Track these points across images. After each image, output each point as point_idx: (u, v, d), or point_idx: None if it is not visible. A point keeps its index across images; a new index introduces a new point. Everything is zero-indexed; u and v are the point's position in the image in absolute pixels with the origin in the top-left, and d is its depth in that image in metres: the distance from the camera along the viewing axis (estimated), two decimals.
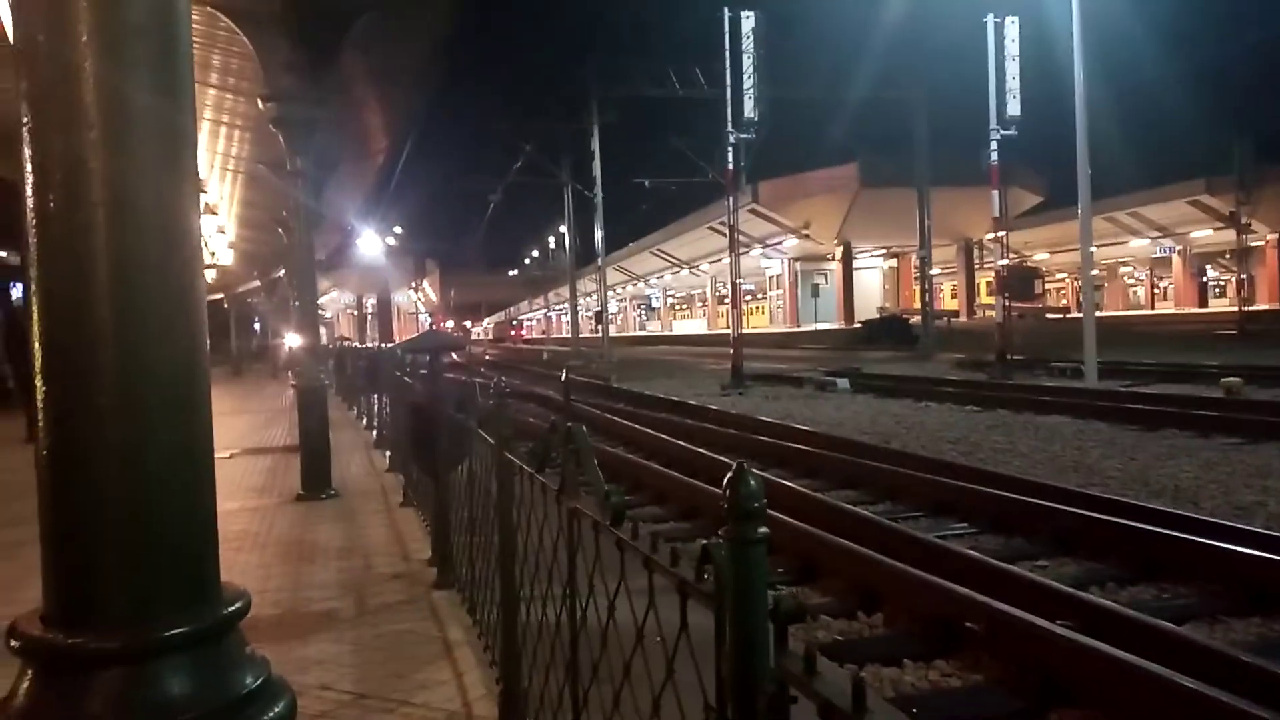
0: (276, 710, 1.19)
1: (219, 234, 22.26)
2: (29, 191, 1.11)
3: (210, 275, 28.07)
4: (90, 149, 1.10)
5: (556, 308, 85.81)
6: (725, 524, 1.26)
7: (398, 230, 49.35)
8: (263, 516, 6.73)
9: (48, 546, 1.16)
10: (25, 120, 1.12)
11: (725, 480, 1.24)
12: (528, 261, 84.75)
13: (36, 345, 1.14)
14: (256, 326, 36.13)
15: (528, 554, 3.12)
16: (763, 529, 1.23)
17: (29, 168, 1.12)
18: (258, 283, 31.18)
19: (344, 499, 7.43)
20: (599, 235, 36.74)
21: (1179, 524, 6.19)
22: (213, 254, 24.19)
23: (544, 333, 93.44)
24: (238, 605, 1.20)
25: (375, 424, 10.99)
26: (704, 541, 1.35)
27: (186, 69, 1.17)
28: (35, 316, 1.14)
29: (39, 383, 1.14)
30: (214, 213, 19.75)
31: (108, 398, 1.12)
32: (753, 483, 1.22)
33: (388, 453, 9.18)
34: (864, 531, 6.52)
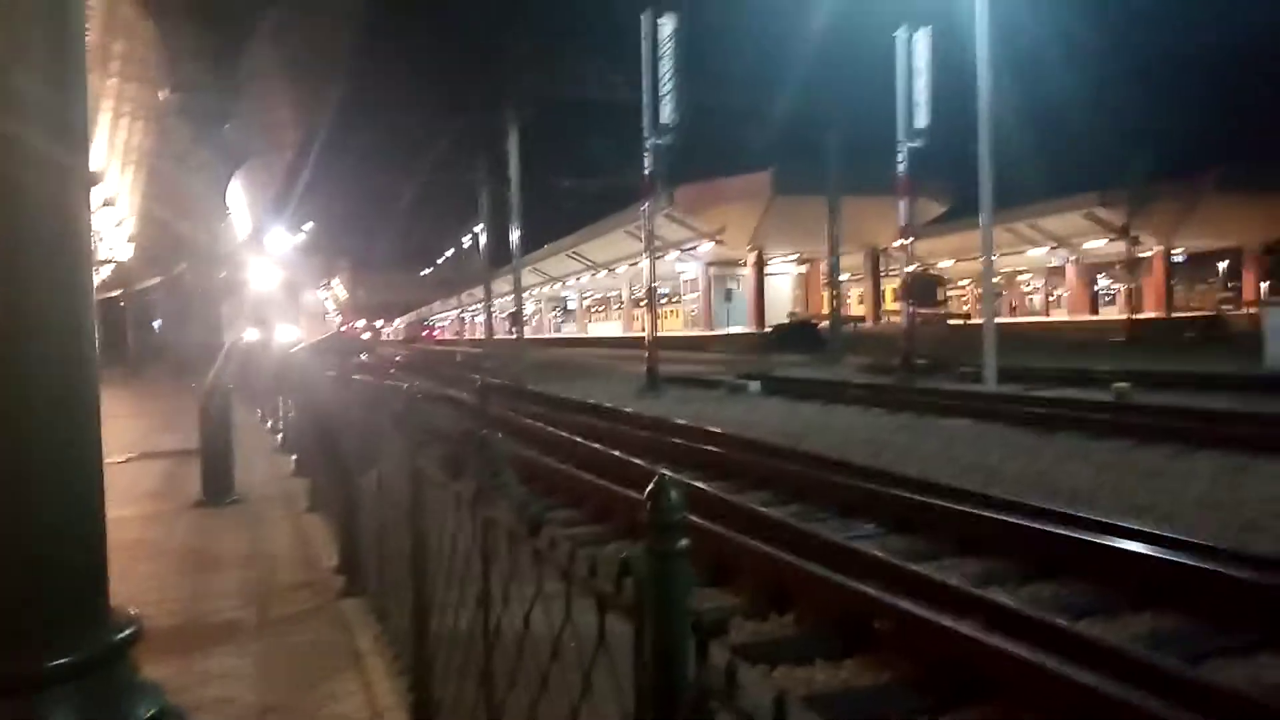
0: None
1: (117, 228, 21.27)
2: None
3: (107, 271, 26.74)
4: None
5: (470, 309, 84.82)
6: (646, 536, 1.25)
7: (307, 227, 47.99)
8: (160, 523, 6.44)
9: None
10: None
11: (647, 492, 1.22)
12: (440, 261, 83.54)
13: None
14: (156, 325, 34.67)
15: (441, 561, 3.06)
16: (684, 541, 1.22)
17: None
18: (159, 279, 29.91)
19: (247, 505, 7.17)
20: (515, 236, 36.43)
21: (1076, 524, 6.44)
22: (110, 249, 23.12)
23: (457, 334, 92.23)
24: (128, 631, 1.12)
25: (280, 427, 10.66)
26: (624, 554, 1.33)
27: (79, 54, 1.09)
28: None
29: None
30: (111, 205, 18.85)
31: None
32: (674, 495, 1.20)
33: (294, 457, 8.91)
34: (775, 533, 6.61)
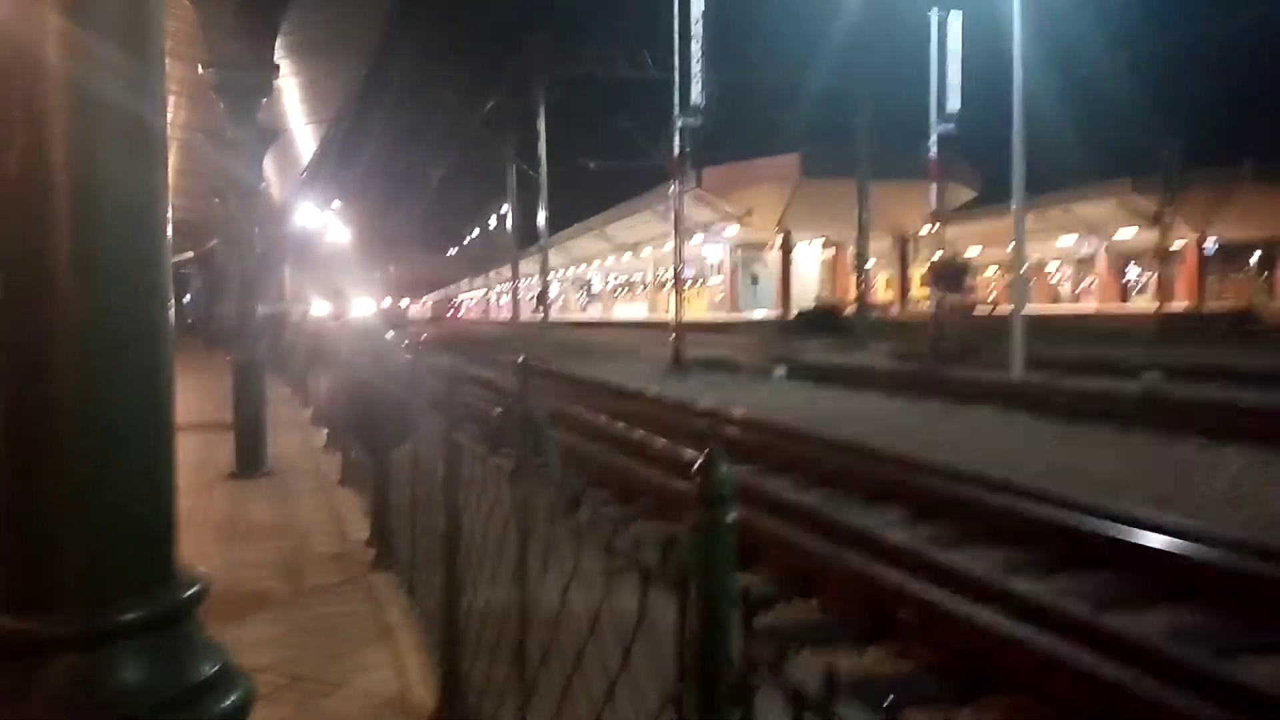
0: (233, 699, 1.16)
1: None
2: None
3: None
4: (53, 104, 1.05)
5: (495, 288, 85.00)
6: (694, 508, 1.27)
7: (336, 204, 48.24)
8: (195, 494, 6.55)
9: (2, 525, 1.10)
10: None
11: (696, 465, 1.25)
12: (466, 241, 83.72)
13: None
14: (188, 299, 35.00)
15: (474, 537, 3.10)
16: (732, 515, 1.25)
17: None
18: (190, 253, 30.20)
19: (279, 477, 7.27)
20: (542, 216, 36.45)
21: (1102, 515, 6.41)
22: None
23: (483, 314, 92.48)
24: (197, 589, 1.16)
25: (312, 400, 10.78)
26: (671, 533, 1.35)
27: (156, 47, 1.12)
28: None
29: None
30: None
31: (68, 372, 1.08)
32: (724, 468, 1.23)
33: (325, 430, 9.01)
34: (800, 518, 6.62)
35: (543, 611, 2.22)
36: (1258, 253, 55.84)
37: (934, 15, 24.39)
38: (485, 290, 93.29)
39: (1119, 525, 6.08)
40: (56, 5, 1.04)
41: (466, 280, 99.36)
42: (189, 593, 1.16)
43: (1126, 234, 49.64)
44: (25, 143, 1.05)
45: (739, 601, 1.18)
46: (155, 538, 1.15)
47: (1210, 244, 51.74)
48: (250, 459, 7.29)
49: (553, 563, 2.16)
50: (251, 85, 7.06)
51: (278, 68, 7.39)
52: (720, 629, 1.20)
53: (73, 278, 1.07)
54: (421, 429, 4.04)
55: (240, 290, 7.77)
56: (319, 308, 19.58)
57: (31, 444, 1.09)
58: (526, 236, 46.53)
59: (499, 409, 2.55)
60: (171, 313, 1.17)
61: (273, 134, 9.00)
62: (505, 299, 60.66)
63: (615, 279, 79.41)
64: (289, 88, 12.07)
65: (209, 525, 5.74)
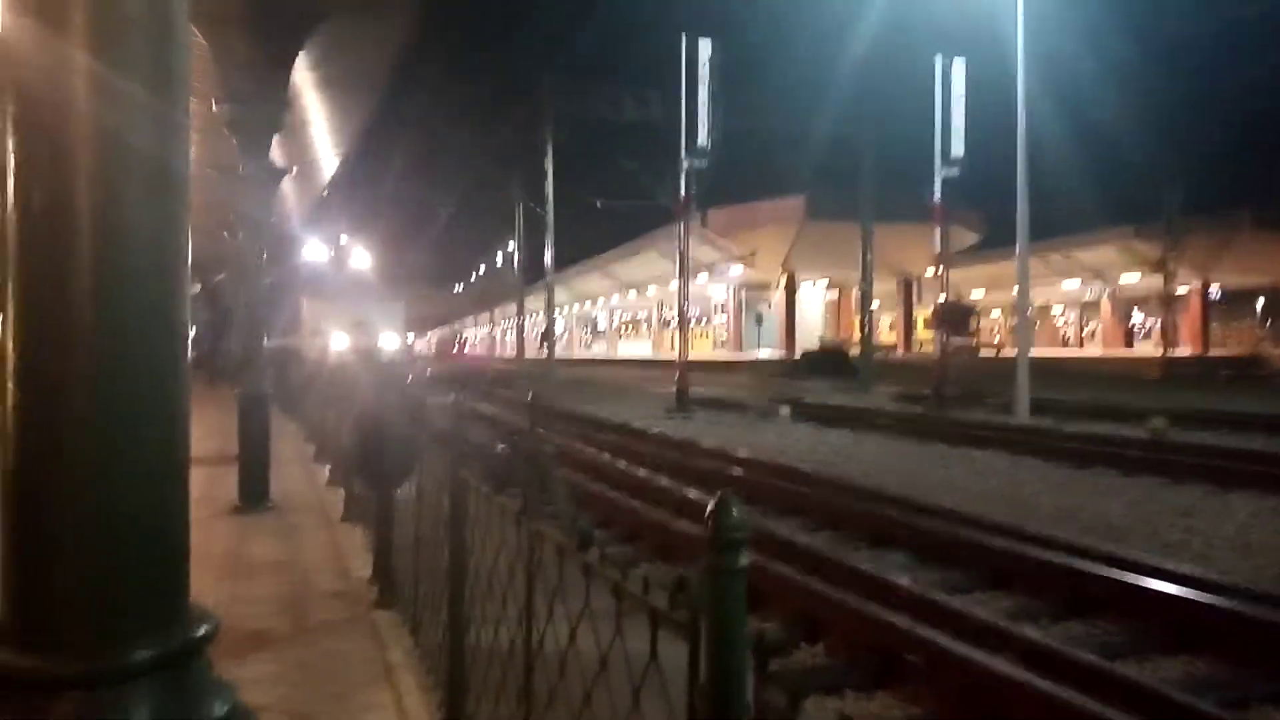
0: None
1: None
2: (11, 191, 1.07)
3: None
4: (79, 145, 1.06)
5: (502, 324, 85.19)
6: (706, 552, 1.26)
7: (343, 239, 48.60)
8: (198, 529, 6.43)
9: (12, 558, 1.10)
10: (11, 119, 1.08)
11: (709, 509, 1.24)
12: (473, 278, 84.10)
13: (10, 348, 1.09)
14: (193, 332, 35.12)
15: (479, 576, 3.07)
16: (744, 560, 1.24)
17: (12, 167, 1.08)
18: (197, 286, 30.37)
19: (282, 512, 7.24)
20: (549, 254, 36.67)
21: (1109, 562, 6.35)
22: None
23: (489, 350, 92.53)
24: (207, 628, 1.15)
25: (316, 436, 10.77)
26: (681, 573, 1.34)
27: (182, 75, 1.14)
28: (11, 318, 1.09)
29: (10, 387, 1.09)
30: None
31: (84, 404, 1.08)
32: (736, 513, 1.22)
33: (328, 466, 8.99)
34: (806, 561, 6.57)
35: (549, 652, 2.20)
36: (1260, 300, 55.92)
37: (938, 61, 24.67)
38: (491, 326, 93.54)
39: (1127, 572, 6.02)
40: (85, 44, 1.05)
41: (472, 316, 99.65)
42: (200, 632, 1.15)
43: (1131, 279, 49.80)
44: (50, 181, 1.06)
45: (752, 646, 1.17)
46: (167, 575, 1.14)
47: (1214, 290, 51.87)
48: (253, 493, 7.26)
49: (560, 603, 2.14)
50: (264, 121, 7.14)
51: (290, 103, 7.49)
52: (733, 674, 1.18)
53: (93, 315, 1.08)
54: (425, 465, 4.04)
55: (247, 324, 7.80)
56: (339, 341, 19.34)
57: (46, 479, 1.09)
58: (533, 274, 46.81)
59: (505, 446, 2.54)
60: (189, 351, 1.17)
61: (283, 169, 9.08)
62: (511, 335, 60.71)
63: (621, 317, 79.65)
64: (301, 124, 12.22)
65: (211, 560, 5.71)
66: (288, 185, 17.45)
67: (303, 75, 10.33)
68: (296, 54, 7.60)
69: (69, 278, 1.07)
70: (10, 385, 1.10)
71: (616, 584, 1.60)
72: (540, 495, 2.22)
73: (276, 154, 12.01)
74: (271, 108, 7.15)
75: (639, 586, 1.54)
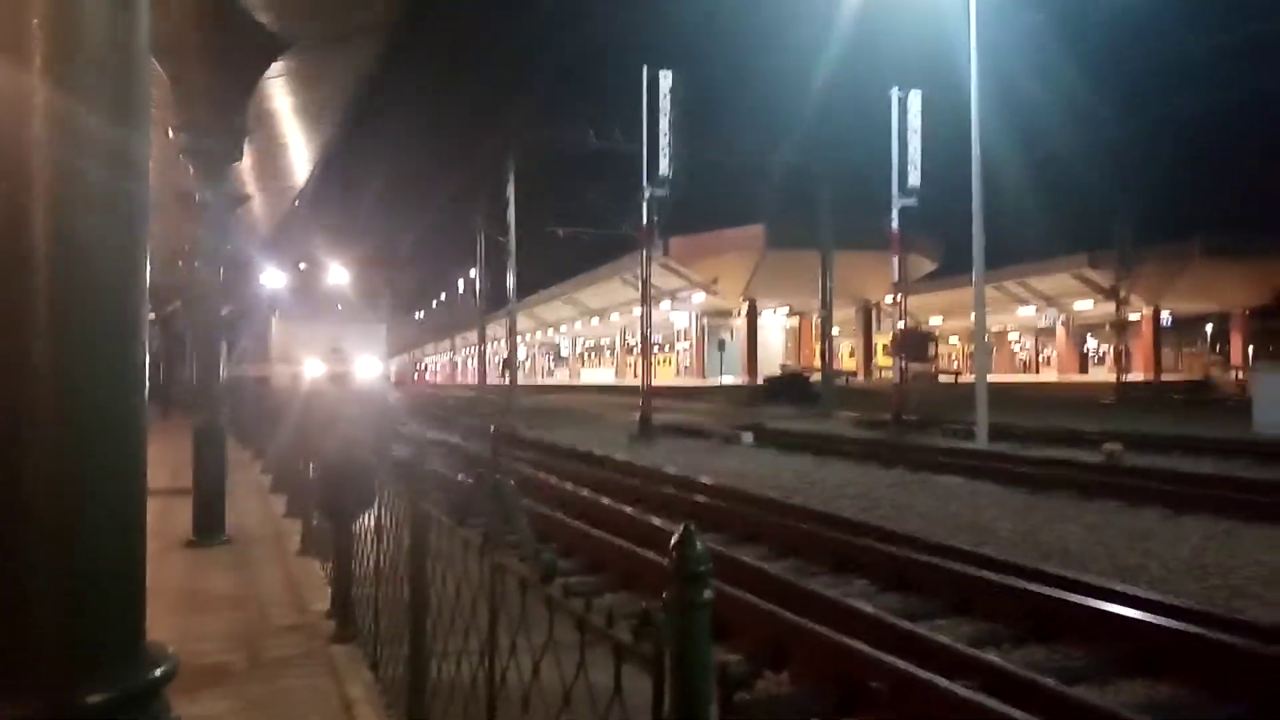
0: None
1: None
2: None
3: None
4: (38, 177, 1.04)
5: (463, 351, 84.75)
6: (669, 585, 1.26)
7: (302, 266, 48.11)
8: (151, 562, 6.31)
9: None
10: None
11: (672, 542, 1.24)
12: (435, 305, 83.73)
13: None
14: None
15: (441, 609, 3.04)
16: (708, 592, 1.24)
17: None
18: (151, 315, 29.84)
19: (238, 545, 7.10)
20: (511, 281, 36.63)
21: (1069, 586, 6.43)
22: None
23: (450, 378, 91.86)
24: (166, 667, 1.12)
25: (272, 466, 10.59)
26: (644, 605, 1.34)
27: (143, 107, 1.13)
28: None
29: None
30: None
31: (41, 441, 1.05)
32: (699, 546, 1.22)
33: (286, 497, 8.84)
34: (769, 588, 6.57)
35: (512, 686, 2.17)
36: (1209, 325, 57.42)
37: (894, 94, 25.17)
38: (452, 354, 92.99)
39: (1087, 597, 6.10)
40: (46, 76, 1.04)
41: (433, 344, 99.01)
42: (158, 672, 1.12)
43: (1085, 306, 50.91)
44: (9, 211, 1.05)
45: (716, 678, 1.17)
46: (125, 614, 1.11)
47: (1166, 316, 53.18)
48: (208, 526, 7.12)
49: (523, 636, 2.12)
50: (222, 149, 7.08)
51: (251, 132, 7.43)
52: (699, 706, 1.18)
53: (50, 346, 1.05)
54: (385, 496, 3.99)
55: (202, 354, 7.67)
56: (312, 367, 18.71)
57: (3, 520, 1.06)
58: (495, 302, 46.69)
59: (468, 478, 2.53)
60: (146, 382, 1.15)
61: (242, 196, 8.99)
62: (473, 363, 60.35)
63: (584, 344, 79.62)
64: (267, 149, 12.12)
65: (165, 595, 5.56)
66: (256, 208, 17.26)
67: (267, 103, 10.26)
68: (256, 84, 7.56)
69: (26, 310, 1.05)
70: None
71: (580, 618, 1.59)
72: (503, 527, 2.20)
73: (247, 177, 11.90)
74: (230, 136, 7.09)
75: (602, 619, 1.53)
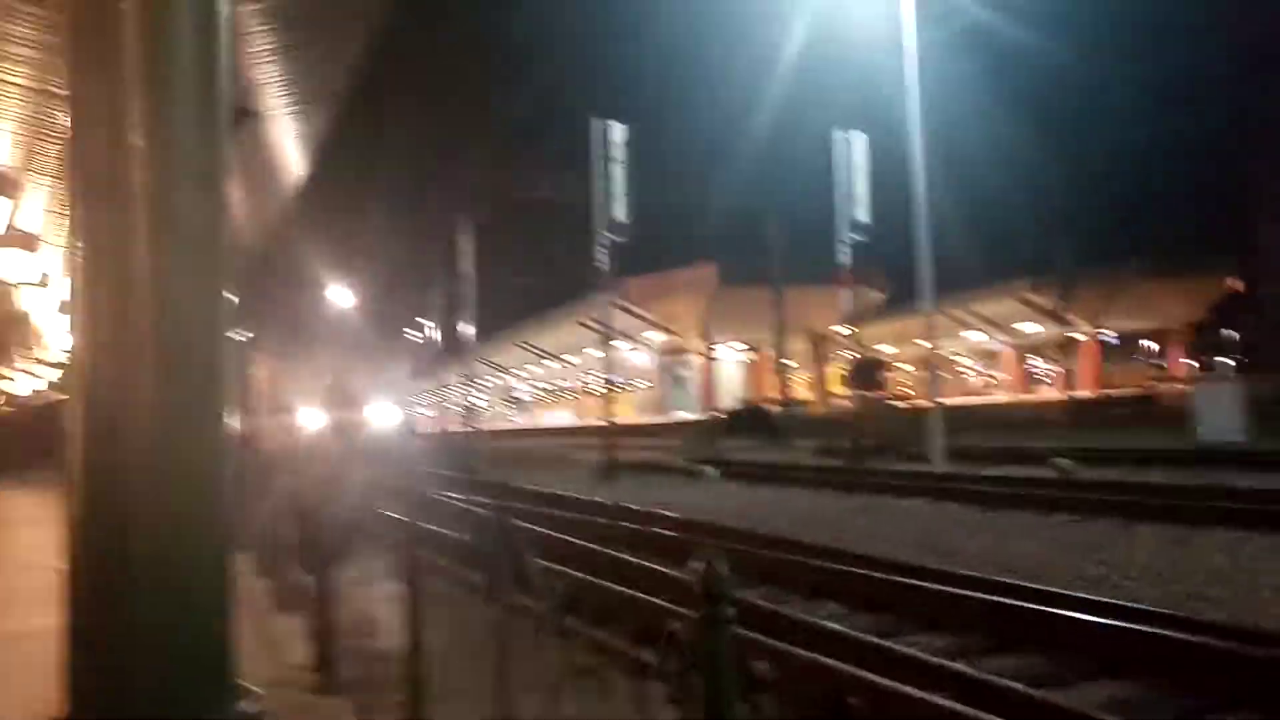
0: None
1: (59, 314, 18.00)
2: (78, 275, 1.16)
3: (52, 375, 25.75)
4: (138, 226, 1.15)
5: (417, 399, 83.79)
6: (697, 604, 1.39)
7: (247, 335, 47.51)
8: None
9: (77, 654, 1.13)
10: (77, 207, 1.18)
11: (698, 568, 1.38)
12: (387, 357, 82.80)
13: (75, 439, 1.14)
14: None
15: (434, 655, 3.10)
16: (732, 609, 1.38)
17: (80, 253, 1.16)
18: None
19: None
20: (469, 329, 36.58)
21: (1033, 597, 6.65)
22: (51, 344, 22.15)
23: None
24: (259, 708, 1.19)
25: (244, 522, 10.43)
26: (671, 628, 1.47)
27: (224, 154, 1.24)
28: (78, 412, 1.15)
29: (75, 474, 1.14)
30: (45, 286, 15.23)
31: (143, 492, 1.13)
32: (723, 570, 1.36)
33: (254, 554, 8.73)
34: (746, 617, 6.67)
35: None
36: (1148, 343, 59.17)
37: (836, 135, 25.85)
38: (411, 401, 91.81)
39: (1050, 607, 6.32)
40: (141, 130, 1.15)
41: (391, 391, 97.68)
42: (254, 711, 1.19)
43: (1029, 328, 52.15)
44: (115, 265, 1.16)
45: (741, 687, 1.30)
46: (221, 651, 1.17)
47: (1109, 335, 54.73)
48: None
49: (524, 683, 2.19)
50: None
51: None
52: (726, 709, 1.31)
53: (152, 395, 1.15)
54: (364, 549, 4.05)
55: None
56: (310, 416, 17.94)
57: (109, 574, 1.14)
58: (451, 349, 46.47)
59: (477, 533, 2.64)
60: (226, 420, 1.23)
61: None
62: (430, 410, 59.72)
63: (542, 387, 79.25)
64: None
65: None
66: None
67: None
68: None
69: (128, 364, 1.14)
70: (77, 470, 1.15)
71: (602, 642, 1.72)
72: (511, 569, 2.31)
73: None
74: None
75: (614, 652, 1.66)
